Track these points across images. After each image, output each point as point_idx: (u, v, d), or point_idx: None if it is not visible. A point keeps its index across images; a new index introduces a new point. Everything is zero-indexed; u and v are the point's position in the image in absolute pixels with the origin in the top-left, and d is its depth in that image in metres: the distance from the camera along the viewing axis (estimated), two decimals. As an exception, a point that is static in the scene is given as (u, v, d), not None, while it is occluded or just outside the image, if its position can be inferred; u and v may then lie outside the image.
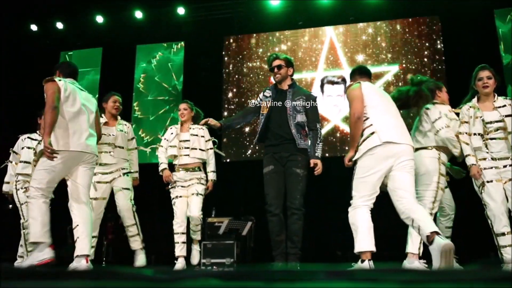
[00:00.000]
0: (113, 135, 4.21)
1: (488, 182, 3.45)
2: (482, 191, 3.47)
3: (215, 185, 4.69)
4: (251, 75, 8.36)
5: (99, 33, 8.79)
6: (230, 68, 8.50)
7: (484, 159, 3.53)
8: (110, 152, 4.16)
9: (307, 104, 3.69)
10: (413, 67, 7.76)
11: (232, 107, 8.29)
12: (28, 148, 4.50)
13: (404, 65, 7.81)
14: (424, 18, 7.90)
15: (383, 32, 8.03)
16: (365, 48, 8.02)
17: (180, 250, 4.39)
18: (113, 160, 4.17)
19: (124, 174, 4.17)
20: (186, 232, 4.50)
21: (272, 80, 8.06)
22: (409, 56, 7.82)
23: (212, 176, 4.61)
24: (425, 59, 7.74)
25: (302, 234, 3.52)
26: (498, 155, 3.49)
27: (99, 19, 8.64)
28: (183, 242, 4.41)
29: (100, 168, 4.12)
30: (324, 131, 7.75)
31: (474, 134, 3.56)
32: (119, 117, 4.40)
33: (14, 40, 8.75)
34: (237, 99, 8.32)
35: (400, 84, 7.72)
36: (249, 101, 8.20)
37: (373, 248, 2.92)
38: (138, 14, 8.54)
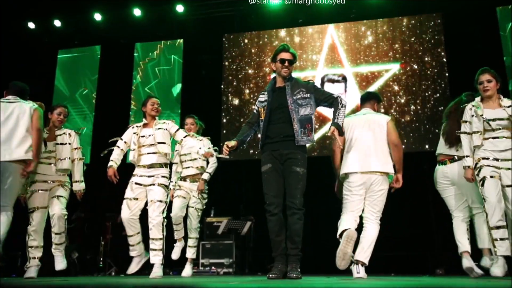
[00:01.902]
0: (151, 135, 4.18)
1: (489, 177, 3.47)
2: (482, 185, 3.49)
3: (209, 184, 4.91)
4: (251, 74, 8.29)
5: (97, 31, 8.73)
6: (230, 66, 8.42)
7: (487, 158, 3.53)
8: (151, 153, 4.14)
9: (309, 94, 3.54)
10: (415, 65, 7.69)
11: (231, 106, 8.22)
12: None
13: (405, 63, 7.74)
14: (426, 15, 7.82)
15: (384, 30, 7.95)
16: (366, 46, 7.95)
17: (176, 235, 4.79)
18: (153, 159, 4.13)
19: (160, 184, 4.08)
20: (182, 222, 4.82)
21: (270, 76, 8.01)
22: (411, 54, 7.75)
23: (204, 176, 4.84)
24: (427, 57, 7.66)
25: (303, 234, 3.45)
26: (500, 156, 3.49)
27: (97, 16, 8.56)
28: (177, 230, 4.80)
29: (140, 170, 4.14)
30: (325, 129, 7.68)
31: (474, 132, 3.56)
32: (157, 119, 4.34)
33: (12, 38, 8.67)
34: (236, 97, 8.25)
35: (401, 82, 7.65)
36: (247, 101, 8.14)
37: (349, 227, 3.46)
38: (137, 12, 8.46)
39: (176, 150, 4.87)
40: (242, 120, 8.05)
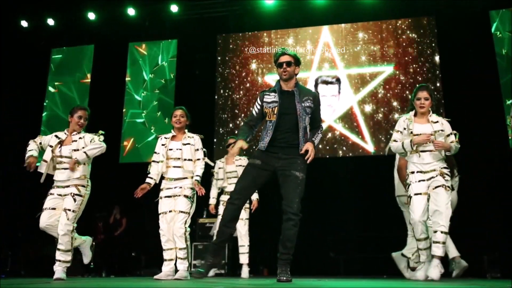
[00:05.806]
0: (179, 149, 4.16)
1: (415, 195, 3.73)
2: (409, 202, 3.77)
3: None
4: (245, 74, 8.28)
5: (91, 30, 8.68)
6: (224, 67, 8.41)
7: (413, 172, 3.79)
8: (178, 166, 4.13)
9: (313, 106, 3.47)
10: (408, 68, 7.71)
11: (224, 105, 8.20)
12: (50, 146, 4.07)
13: (399, 66, 7.75)
14: (419, 18, 7.85)
15: (378, 32, 7.96)
16: (360, 48, 7.96)
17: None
18: (180, 174, 4.13)
19: (186, 196, 4.06)
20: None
21: (269, 82, 8.00)
22: (404, 57, 7.77)
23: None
24: (421, 59, 7.68)
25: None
26: (425, 168, 3.73)
27: (91, 15, 8.51)
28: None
29: (167, 183, 4.13)
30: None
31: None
32: (186, 131, 4.30)
33: (4, 36, 8.60)
34: (229, 97, 8.23)
35: (395, 84, 7.67)
36: (240, 100, 8.12)
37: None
38: (131, 11, 8.43)
39: (219, 168, 5.45)
40: (234, 118, 8.04)
